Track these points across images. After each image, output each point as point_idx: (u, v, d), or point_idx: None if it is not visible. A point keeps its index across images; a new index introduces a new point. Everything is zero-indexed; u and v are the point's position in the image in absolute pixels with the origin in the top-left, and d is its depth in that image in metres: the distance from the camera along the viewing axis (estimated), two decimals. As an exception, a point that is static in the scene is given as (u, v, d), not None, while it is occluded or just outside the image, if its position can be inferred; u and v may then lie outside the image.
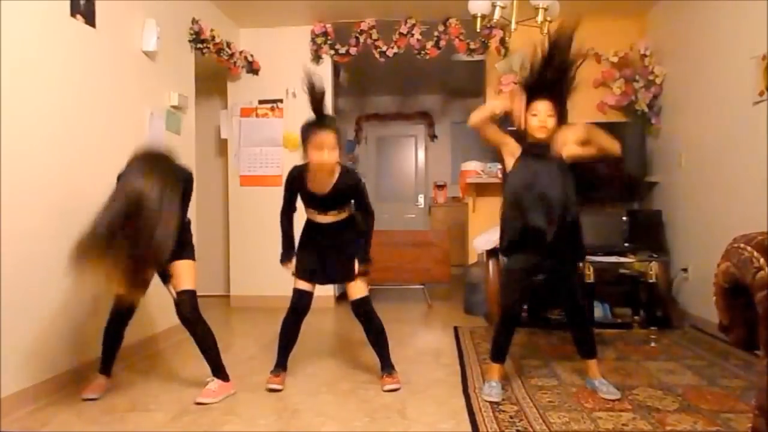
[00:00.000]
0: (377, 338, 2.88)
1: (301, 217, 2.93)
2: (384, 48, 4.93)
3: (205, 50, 4.31)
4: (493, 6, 3.37)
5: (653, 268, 3.91)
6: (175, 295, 2.68)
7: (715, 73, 3.82)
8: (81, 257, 2.26)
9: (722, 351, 3.34)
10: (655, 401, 2.54)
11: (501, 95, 2.98)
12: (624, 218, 4.40)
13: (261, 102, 5.30)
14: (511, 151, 2.68)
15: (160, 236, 2.33)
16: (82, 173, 2.98)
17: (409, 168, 8.77)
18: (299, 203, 2.91)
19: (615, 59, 4.88)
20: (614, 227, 4.34)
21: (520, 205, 2.61)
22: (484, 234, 4.41)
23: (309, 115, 2.71)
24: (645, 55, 4.75)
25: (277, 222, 2.93)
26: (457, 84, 7.36)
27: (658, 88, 4.68)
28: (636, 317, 4.04)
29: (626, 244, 4.26)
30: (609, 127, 2.90)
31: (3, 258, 2.43)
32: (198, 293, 2.75)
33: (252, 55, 5.19)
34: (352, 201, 2.88)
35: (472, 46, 4.88)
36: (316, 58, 5.19)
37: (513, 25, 3.52)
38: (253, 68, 5.21)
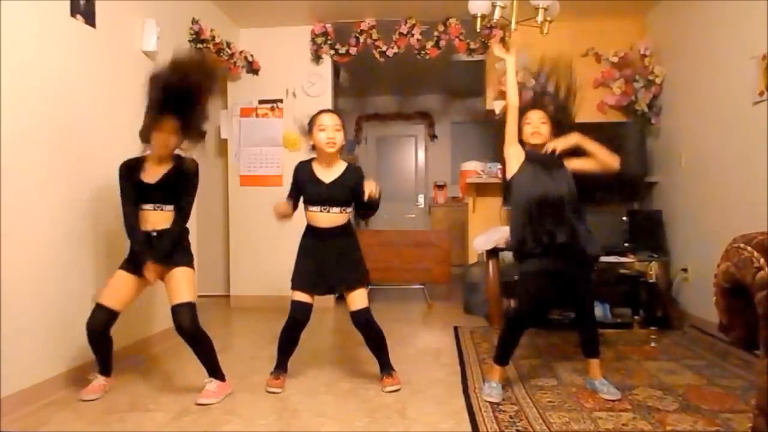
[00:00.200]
0: (377, 346, 2.88)
1: (300, 221, 2.93)
2: (384, 48, 4.93)
3: (205, 50, 4.31)
4: (493, 6, 3.37)
5: (653, 268, 3.92)
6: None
7: (715, 73, 3.82)
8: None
9: (722, 351, 3.34)
10: (655, 401, 2.54)
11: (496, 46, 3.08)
12: (624, 218, 4.39)
13: (261, 102, 5.30)
14: (517, 153, 2.74)
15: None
16: (82, 173, 2.98)
17: (409, 168, 8.78)
18: (299, 204, 2.90)
19: (615, 59, 4.88)
20: (614, 227, 4.33)
21: (530, 208, 2.63)
22: (484, 234, 4.41)
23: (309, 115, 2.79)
24: (645, 55, 4.75)
25: (277, 222, 2.92)
26: (457, 84, 7.36)
27: (658, 88, 4.68)
28: (636, 317, 4.04)
29: (626, 244, 4.26)
30: (609, 128, 2.90)
31: (3, 258, 2.43)
32: (198, 293, 2.74)
33: (252, 55, 5.19)
34: (352, 204, 2.88)
35: (472, 46, 4.88)
36: (316, 58, 5.19)
37: (513, 25, 3.52)
38: (253, 68, 5.21)
